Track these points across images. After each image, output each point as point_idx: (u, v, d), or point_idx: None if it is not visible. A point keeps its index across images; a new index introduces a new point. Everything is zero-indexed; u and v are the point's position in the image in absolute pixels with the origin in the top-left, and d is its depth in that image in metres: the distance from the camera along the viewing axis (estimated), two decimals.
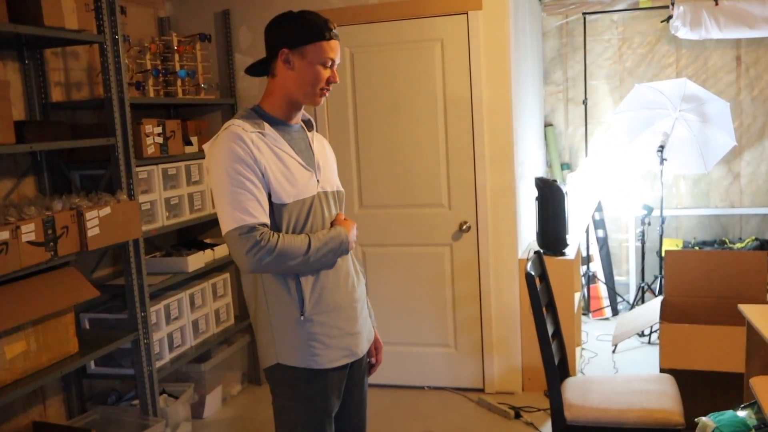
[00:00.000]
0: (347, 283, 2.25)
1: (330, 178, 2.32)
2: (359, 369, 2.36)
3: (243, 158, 2.06)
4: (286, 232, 2.12)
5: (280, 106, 2.21)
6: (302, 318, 2.15)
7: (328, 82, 2.21)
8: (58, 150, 3.49)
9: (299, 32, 2.13)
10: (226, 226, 2.06)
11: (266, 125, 2.17)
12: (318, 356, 2.18)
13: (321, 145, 2.36)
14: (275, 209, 2.11)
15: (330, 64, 2.19)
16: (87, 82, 3.82)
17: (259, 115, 2.20)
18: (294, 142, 2.23)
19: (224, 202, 2.06)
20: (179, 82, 4.06)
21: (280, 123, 2.22)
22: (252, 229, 2.03)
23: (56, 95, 3.60)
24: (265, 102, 2.23)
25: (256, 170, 2.07)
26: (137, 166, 3.59)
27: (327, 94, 2.25)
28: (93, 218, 3.13)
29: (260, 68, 2.25)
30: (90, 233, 3.11)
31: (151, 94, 3.93)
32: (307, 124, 2.35)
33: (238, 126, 2.12)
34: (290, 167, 2.16)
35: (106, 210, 3.21)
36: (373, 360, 2.48)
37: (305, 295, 2.15)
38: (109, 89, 3.40)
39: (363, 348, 2.32)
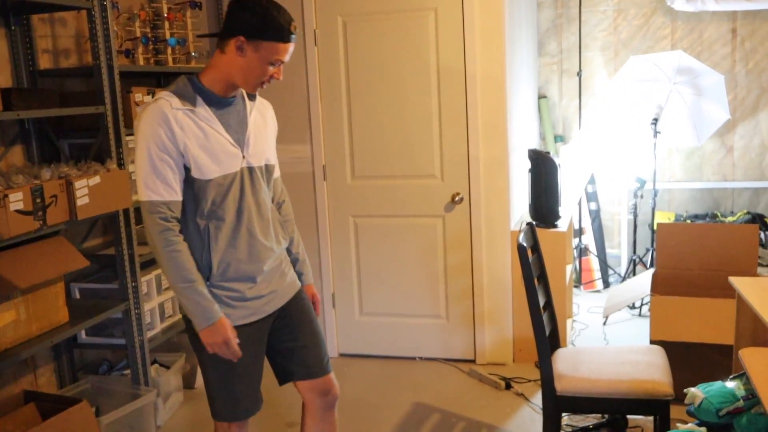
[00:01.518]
0: (259, 256, 2.37)
1: (261, 150, 2.40)
2: (299, 314, 2.51)
3: (163, 140, 2.18)
4: (211, 207, 2.26)
5: (218, 82, 2.29)
6: (208, 282, 2.29)
7: (271, 78, 2.29)
8: (47, 118, 3.45)
9: (261, 26, 2.19)
10: (140, 194, 2.22)
11: (199, 101, 2.25)
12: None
13: (260, 116, 2.45)
14: (199, 185, 2.24)
15: (279, 63, 2.27)
16: (75, 50, 3.77)
17: (195, 88, 2.27)
18: (226, 117, 2.31)
19: (140, 175, 2.21)
20: (169, 51, 4.01)
21: (215, 98, 2.29)
22: (160, 211, 2.19)
23: (44, 62, 3.55)
24: (205, 75, 2.29)
25: (175, 151, 2.19)
26: (127, 135, 3.55)
27: (265, 87, 2.32)
28: (82, 187, 3.10)
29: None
30: (79, 202, 3.08)
31: (141, 62, 3.88)
32: (249, 93, 2.41)
33: (166, 102, 2.20)
34: (215, 145, 2.26)
35: (96, 179, 3.18)
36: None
37: (213, 265, 2.28)
38: (98, 57, 3.35)
39: (274, 305, 2.45)
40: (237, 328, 2.34)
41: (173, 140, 2.19)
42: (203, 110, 2.26)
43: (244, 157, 2.33)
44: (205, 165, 2.23)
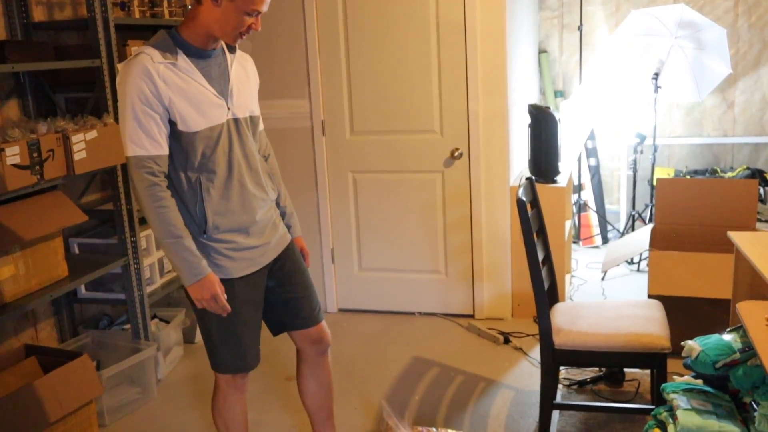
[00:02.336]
0: (251, 206, 2.38)
1: (244, 102, 2.40)
2: (291, 265, 2.53)
3: (146, 94, 2.16)
4: (201, 159, 2.25)
5: (198, 35, 2.27)
6: (205, 236, 2.30)
7: (249, 29, 2.26)
8: (42, 72, 3.41)
9: None
10: (125, 150, 2.21)
11: (180, 54, 2.24)
12: (222, 267, 2.33)
13: (241, 68, 2.44)
14: (185, 138, 2.23)
15: (256, 14, 2.23)
16: (70, 2, 3.70)
17: (175, 42, 2.25)
18: (208, 69, 2.30)
19: (125, 130, 2.20)
20: (165, 3, 3.94)
21: (195, 50, 2.27)
22: (146, 165, 2.18)
23: (38, 15, 3.50)
24: (184, 27, 2.27)
25: (159, 105, 2.18)
26: None
27: (245, 38, 2.29)
28: (79, 141, 3.08)
29: None
30: (76, 157, 3.06)
31: (137, 15, 3.82)
32: (229, 46, 2.39)
33: (147, 56, 2.18)
34: (199, 97, 2.24)
35: (93, 133, 3.16)
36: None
37: (207, 218, 2.29)
38: (93, 9, 3.30)
39: (269, 256, 2.46)
40: (238, 280, 2.36)
41: (157, 94, 2.17)
42: (184, 63, 2.24)
43: (228, 108, 2.32)
44: (190, 117, 2.22)
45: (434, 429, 2.99)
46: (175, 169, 2.27)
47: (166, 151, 2.23)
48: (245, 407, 2.56)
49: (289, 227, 2.61)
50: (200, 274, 2.25)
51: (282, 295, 2.53)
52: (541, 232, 3.19)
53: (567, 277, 4.63)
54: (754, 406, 2.19)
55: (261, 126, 2.54)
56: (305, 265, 2.63)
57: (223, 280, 2.32)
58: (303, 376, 2.67)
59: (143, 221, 3.75)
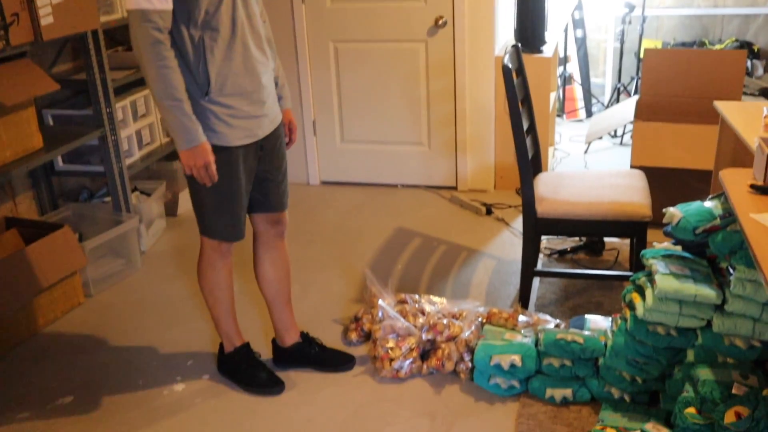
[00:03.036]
0: (254, 70, 2.32)
1: None
2: (274, 147, 2.50)
3: None
4: (204, 17, 2.17)
5: None
6: (207, 98, 2.25)
7: None
8: None
9: None
10: (129, 3, 2.13)
11: None
12: (220, 134, 2.29)
13: None
14: None
15: None
16: None
17: None
18: None
19: None
20: None
21: None
22: (152, 20, 2.10)
23: None
24: None
25: None
26: None
27: None
28: (45, 5, 2.93)
29: None
30: (43, 21, 2.92)
31: None
32: None
33: None
34: None
35: None
36: (286, 139, 2.61)
37: (211, 78, 2.23)
38: None
39: (265, 130, 2.42)
40: (235, 149, 2.33)
41: None
42: None
43: None
44: None
45: (417, 296, 3.04)
46: (178, 27, 2.18)
47: (170, 6, 2.14)
48: (231, 273, 2.58)
49: (279, 98, 2.56)
50: (195, 140, 2.21)
51: (259, 174, 2.50)
52: (527, 100, 3.13)
53: (550, 149, 4.61)
54: (731, 270, 2.22)
55: None
56: (285, 150, 2.59)
57: (221, 148, 2.29)
58: (260, 261, 2.68)
59: (118, 91, 3.65)
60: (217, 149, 2.29)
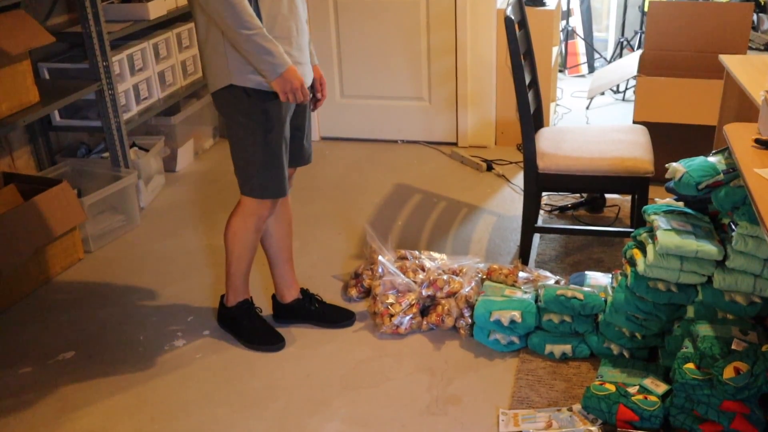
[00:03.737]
0: (297, 13, 2.30)
1: None
2: (304, 104, 2.48)
3: None
4: None
5: None
6: None
7: None
8: None
9: None
10: None
11: None
12: None
13: None
14: None
15: None
16: None
17: None
18: None
19: None
20: None
21: None
22: None
23: None
24: None
25: None
26: None
27: None
28: None
29: None
30: None
31: None
32: None
33: None
34: None
35: None
36: (319, 95, 2.56)
37: (263, 17, 2.18)
38: None
39: (308, 80, 2.39)
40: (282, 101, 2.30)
41: None
42: None
43: None
44: None
45: (417, 252, 3.03)
46: None
47: None
48: (261, 233, 2.57)
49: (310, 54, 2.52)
50: (284, 64, 2.18)
51: (291, 126, 2.46)
52: (529, 54, 3.08)
53: (552, 105, 4.56)
54: (733, 226, 2.20)
55: None
56: (310, 111, 2.57)
57: (268, 93, 2.26)
58: None
59: (114, 45, 3.59)
60: (267, 96, 2.26)
